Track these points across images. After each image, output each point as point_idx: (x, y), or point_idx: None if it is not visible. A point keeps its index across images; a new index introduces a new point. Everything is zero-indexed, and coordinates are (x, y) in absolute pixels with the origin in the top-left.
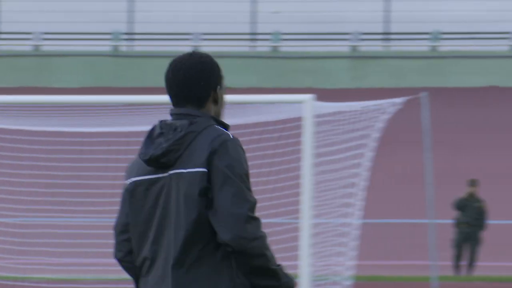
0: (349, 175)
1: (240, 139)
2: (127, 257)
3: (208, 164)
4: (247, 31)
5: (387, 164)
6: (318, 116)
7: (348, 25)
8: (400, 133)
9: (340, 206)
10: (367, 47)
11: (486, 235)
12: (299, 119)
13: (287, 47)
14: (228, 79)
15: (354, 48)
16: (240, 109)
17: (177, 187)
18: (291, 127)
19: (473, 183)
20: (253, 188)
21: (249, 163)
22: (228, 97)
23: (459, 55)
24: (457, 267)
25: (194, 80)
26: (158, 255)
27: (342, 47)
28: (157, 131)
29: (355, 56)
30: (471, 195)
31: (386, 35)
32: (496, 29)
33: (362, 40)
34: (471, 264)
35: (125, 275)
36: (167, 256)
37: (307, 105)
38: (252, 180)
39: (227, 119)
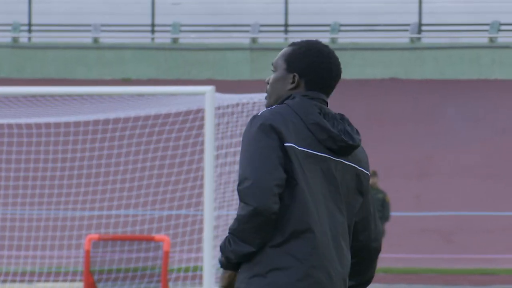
0: None
1: (142, 131)
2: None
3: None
4: (147, 22)
5: None
6: (219, 108)
7: (248, 16)
8: None
9: None
10: (266, 39)
11: (386, 227)
12: (200, 111)
13: (187, 38)
14: (128, 71)
15: (253, 40)
16: (141, 101)
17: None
18: (192, 119)
19: (373, 174)
20: (156, 181)
21: (151, 155)
22: (128, 89)
23: (358, 47)
24: None
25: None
26: None
27: (242, 38)
28: (326, 112)
29: (255, 48)
30: (371, 186)
31: (286, 27)
32: (396, 21)
33: (261, 32)
34: None
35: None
36: None
37: (207, 97)
38: (155, 172)
39: (127, 111)
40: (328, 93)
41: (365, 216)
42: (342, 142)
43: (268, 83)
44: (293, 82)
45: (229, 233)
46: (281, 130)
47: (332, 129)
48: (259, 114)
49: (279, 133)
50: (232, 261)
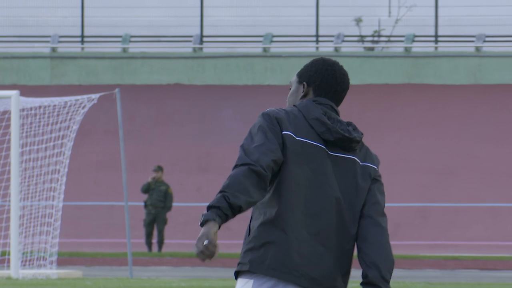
0: (52, 163)
1: None
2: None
3: None
4: None
5: (87, 152)
6: (23, 110)
7: (48, 28)
8: (99, 125)
9: (45, 190)
10: (65, 48)
11: (172, 216)
12: (6, 112)
13: None
14: None
15: (53, 49)
16: None
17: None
18: None
19: (158, 168)
20: None
21: None
22: None
23: (147, 56)
24: (149, 244)
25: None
26: None
27: (43, 48)
28: (332, 116)
29: (55, 56)
30: (157, 180)
31: (82, 38)
32: (180, 33)
33: (60, 42)
34: (160, 242)
35: None
36: None
37: (13, 100)
38: None
39: None
40: (336, 100)
41: (373, 209)
42: (338, 134)
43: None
44: (303, 92)
45: (221, 191)
46: (282, 120)
47: (330, 123)
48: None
49: (280, 122)
50: (226, 213)
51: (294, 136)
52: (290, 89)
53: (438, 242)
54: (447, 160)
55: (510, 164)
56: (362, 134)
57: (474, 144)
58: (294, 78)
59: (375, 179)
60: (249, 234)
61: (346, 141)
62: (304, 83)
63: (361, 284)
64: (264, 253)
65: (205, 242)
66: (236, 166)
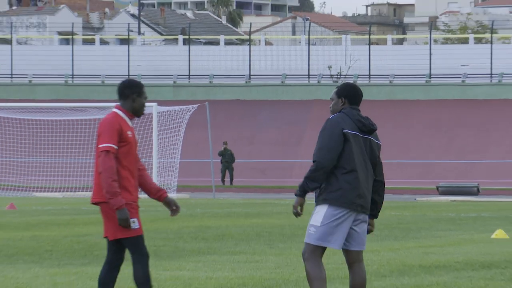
0: (171, 144)
1: None
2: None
3: None
4: None
5: (189, 138)
6: (158, 112)
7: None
8: (195, 123)
9: (169, 155)
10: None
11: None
12: (150, 114)
13: None
14: None
15: (174, 81)
16: None
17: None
18: None
19: (225, 143)
20: None
21: None
22: None
23: (222, 85)
24: (223, 181)
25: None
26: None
27: (168, 79)
28: (361, 116)
29: (175, 85)
30: (225, 148)
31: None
32: (236, 73)
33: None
34: (231, 180)
35: None
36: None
37: (154, 107)
38: None
39: None
40: (359, 105)
41: (378, 162)
42: (368, 127)
43: (330, 106)
44: (342, 103)
45: (305, 177)
46: (341, 124)
47: (365, 121)
48: (331, 117)
49: (341, 125)
50: (308, 190)
51: (350, 131)
52: (332, 101)
53: None
54: None
55: None
56: (376, 125)
57: None
58: (333, 95)
59: (379, 149)
60: (326, 182)
61: (370, 130)
62: (342, 97)
63: (372, 199)
64: (340, 193)
65: (294, 211)
66: (314, 162)
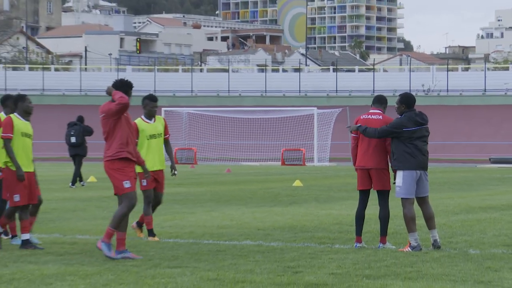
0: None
1: None
2: None
3: None
4: None
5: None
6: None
7: None
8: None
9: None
10: None
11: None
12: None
13: None
14: None
15: None
16: None
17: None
18: None
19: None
20: None
21: None
22: None
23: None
24: None
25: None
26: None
27: None
28: (417, 114)
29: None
30: None
31: None
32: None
33: None
34: None
35: None
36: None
37: (315, 111)
38: None
39: None
40: (413, 107)
41: (427, 142)
42: (424, 121)
43: (396, 109)
44: (403, 107)
45: (378, 132)
46: (406, 122)
47: (422, 117)
48: (399, 117)
49: (406, 123)
50: (370, 136)
51: (411, 128)
52: (396, 105)
53: None
54: None
55: None
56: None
57: None
58: (398, 103)
59: (428, 132)
60: (393, 156)
61: (425, 123)
62: (403, 104)
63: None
64: (413, 161)
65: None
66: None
